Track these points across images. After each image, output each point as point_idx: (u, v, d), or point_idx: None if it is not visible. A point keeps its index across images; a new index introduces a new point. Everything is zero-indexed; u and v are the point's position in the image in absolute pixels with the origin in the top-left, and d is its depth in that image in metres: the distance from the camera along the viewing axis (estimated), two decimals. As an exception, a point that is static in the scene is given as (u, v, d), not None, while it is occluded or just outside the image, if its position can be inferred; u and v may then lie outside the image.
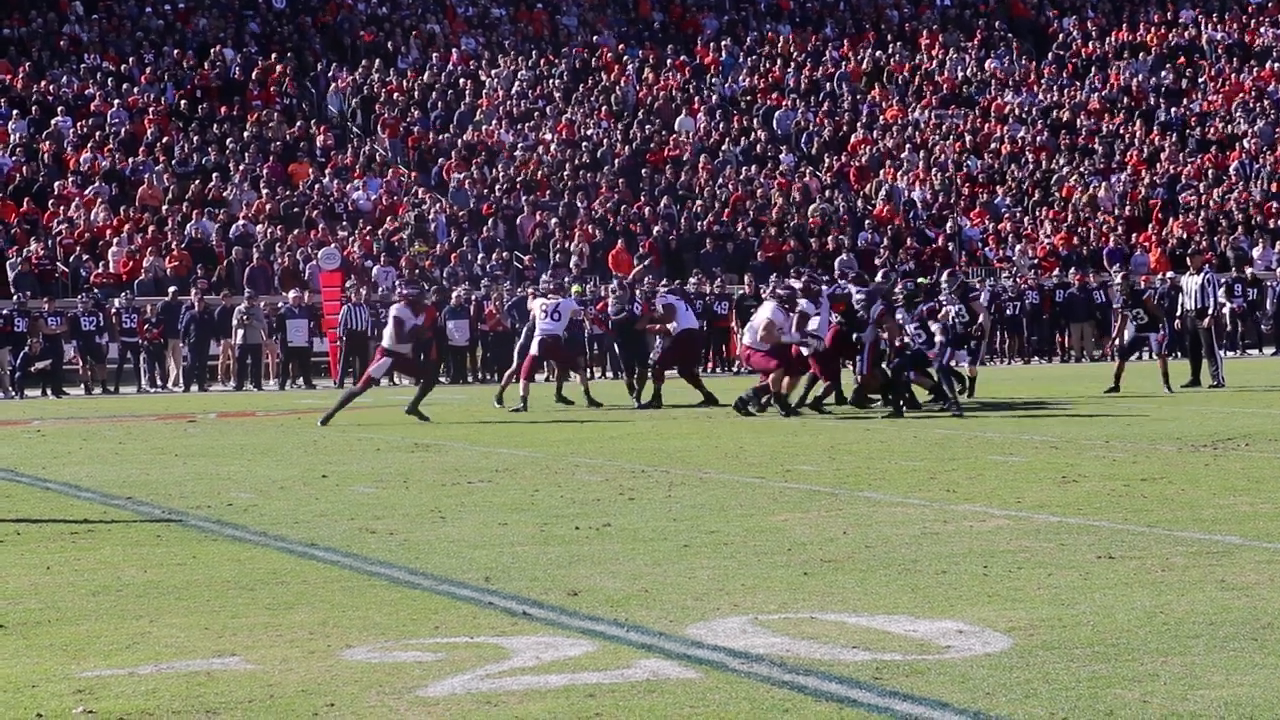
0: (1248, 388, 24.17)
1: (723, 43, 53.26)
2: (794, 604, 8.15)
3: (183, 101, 45.51)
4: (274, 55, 48.02)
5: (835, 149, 49.00)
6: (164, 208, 40.45)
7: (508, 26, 53.24)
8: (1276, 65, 55.24)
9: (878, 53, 54.15)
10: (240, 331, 34.16)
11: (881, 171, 47.76)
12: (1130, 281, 25.69)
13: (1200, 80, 54.77)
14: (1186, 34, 57.03)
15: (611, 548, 10.11)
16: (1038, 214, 46.45)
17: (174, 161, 42.57)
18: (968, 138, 50.13)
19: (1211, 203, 47.07)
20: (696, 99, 50.02)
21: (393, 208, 42.24)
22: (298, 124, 45.19)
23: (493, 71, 49.89)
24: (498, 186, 43.81)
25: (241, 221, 40.28)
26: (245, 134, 44.30)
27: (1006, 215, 46.00)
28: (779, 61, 53.05)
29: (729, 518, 11.39)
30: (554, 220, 42.13)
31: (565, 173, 44.74)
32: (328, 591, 8.82)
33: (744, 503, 12.24)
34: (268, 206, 41.08)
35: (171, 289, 35.52)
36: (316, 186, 42.63)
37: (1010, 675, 6.53)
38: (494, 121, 47.27)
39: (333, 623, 7.93)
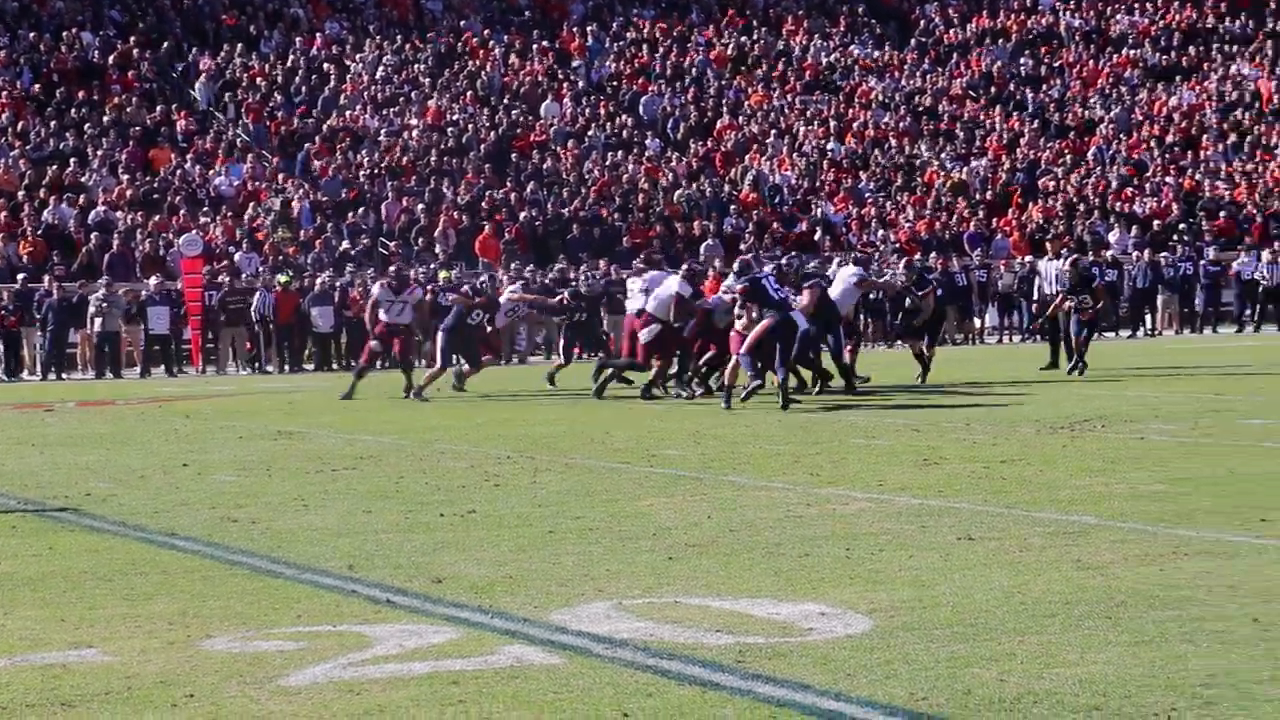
0: (1105, 370, 24.52)
1: (589, 28, 53.22)
2: (658, 589, 8.18)
3: (38, 86, 44.74)
4: (133, 39, 47.34)
5: (701, 134, 49.14)
6: (20, 193, 39.76)
7: (372, 10, 52.82)
8: (1132, 52, 56.10)
9: (742, 38, 54.35)
10: (98, 319, 33.65)
11: (747, 157, 47.95)
12: (1079, 267, 24.88)
13: (1059, 67, 55.51)
14: (1045, 21, 57.75)
15: (476, 534, 10.09)
16: (901, 199, 46.86)
17: (29, 146, 41.84)
18: (832, 123, 50.44)
19: (1069, 188, 47.73)
20: (563, 85, 49.95)
21: (256, 194, 41.81)
22: (158, 108, 44.59)
23: (357, 56, 49.52)
24: (362, 172, 43.50)
25: (101, 207, 39.68)
26: (104, 119, 43.63)
27: (870, 200, 46.37)
28: (644, 47, 53.11)
29: (594, 503, 11.40)
30: (420, 206, 41.90)
31: (431, 158, 44.52)
32: (188, 581, 8.73)
33: (609, 488, 12.26)
34: (128, 192, 40.50)
35: (20, 275, 34.88)
36: (178, 172, 42.10)
37: (871, 656, 6.60)
38: (358, 107, 46.92)
39: (192, 613, 7.85)
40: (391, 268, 24.60)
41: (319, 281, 35.30)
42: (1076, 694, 5.95)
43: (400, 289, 23.67)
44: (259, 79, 47.17)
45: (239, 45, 48.47)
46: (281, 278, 34.79)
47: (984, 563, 8.59)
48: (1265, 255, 41.52)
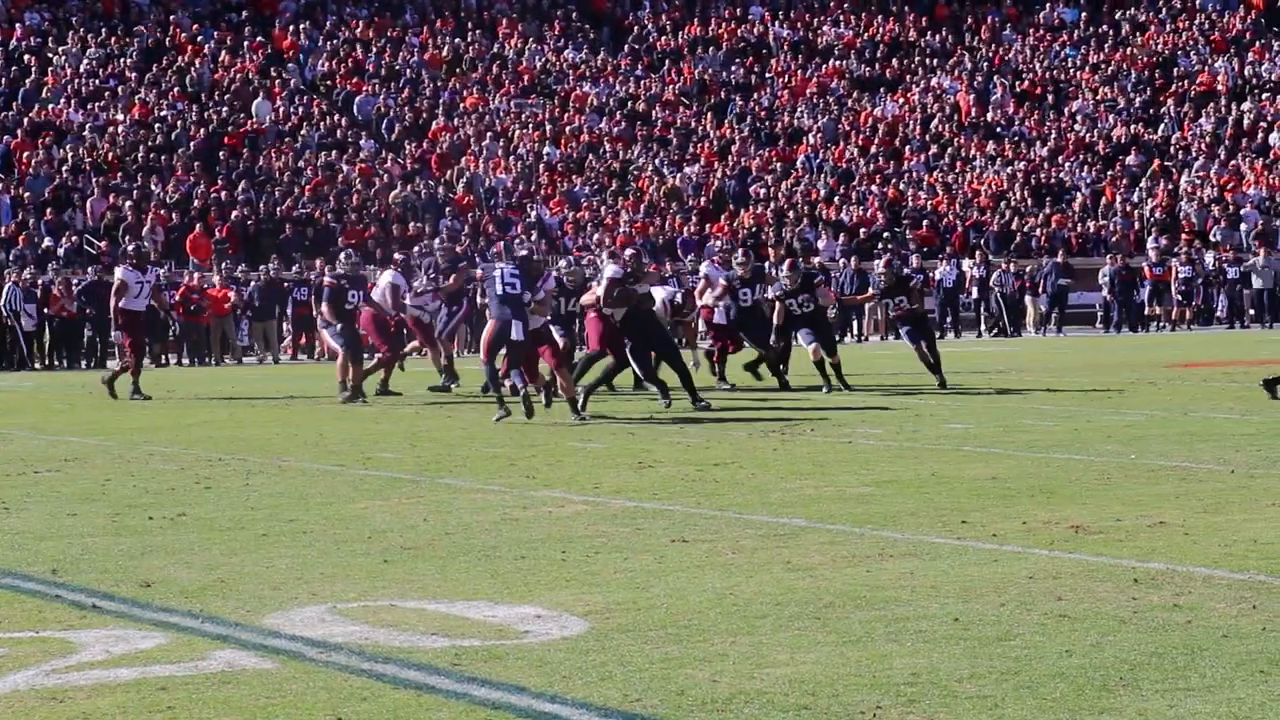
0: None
1: (302, 26, 52.57)
2: (373, 592, 8.13)
3: None
4: None
5: (416, 136, 48.91)
6: None
7: (75, 2, 51.46)
8: (838, 63, 57.36)
9: (457, 40, 54.23)
10: None
11: (462, 159, 47.87)
12: (894, 268, 23.91)
13: (768, 76, 56.50)
14: (756, 30, 58.75)
15: (187, 538, 9.91)
16: (617, 203, 47.23)
17: None
18: (547, 127, 50.63)
19: (780, 195, 48.63)
20: (275, 83, 49.27)
21: (-47, 187, 40.45)
22: None
23: (60, 49, 48.19)
24: (65, 168, 42.37)
25: None
26: None
27: (585, 204, 46.65)
28: (358, 46, 52.67)
29: (308, 506, 11.28)
30: (127, 204, 40.95)
31: (139, 155, 43.54)
32: (-119, 588, 8.42)
33: (324, 491, 12.14)
34: None
35: None
36: None
37: (586, 658, 6.65)
38: (62, 100, 45.68)
39: (-114, 621, 7.58)
40: (342, 254, 23.28)
41: (23, 278, 34.30)
42: (787, 693, 6.08)
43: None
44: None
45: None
46: None
47: (697, 565, 8.72)
48: (967, 263, 42.93)
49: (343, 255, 23.40)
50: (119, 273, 23.30)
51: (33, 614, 7.72)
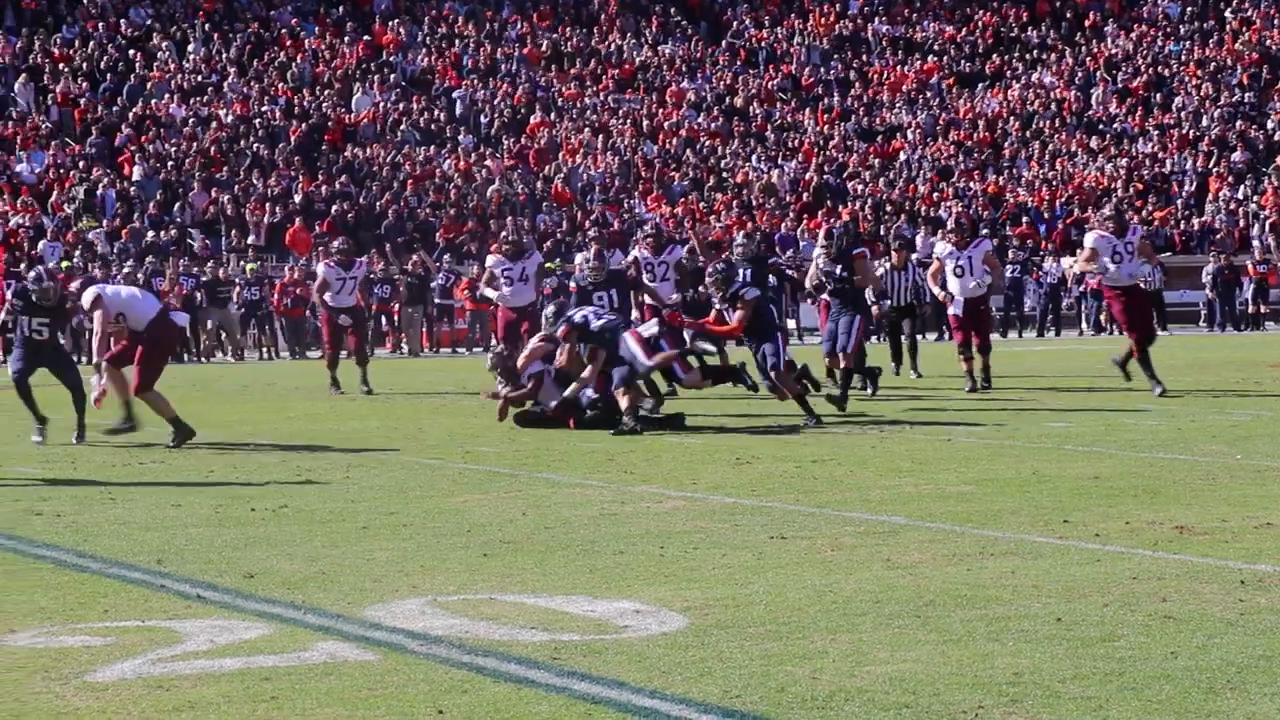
0: (931, 372, 24.87)
1: (401, 21, 52.86)
2: (473, 585, 8.16)
3: None
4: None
5: (514, 130, 49.08)
6: None
7: (180, -2, 52.05)
8: (936, 58, 57.04)
9: (555, 35, 54.36)
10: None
11: (560, 154, 47.99)
12: (836, 238, 20.53)
13: (866, 72, 56.28)
14: (853, 25, 58.51)
15: (289, 529, 9.99)
16: (713, 199, 47.20)
17: None
18: (644, 122, 50.65)
19: (878, 191, 48.43)
20: (375, 77, 49.58)
21: (61, 181, 40.96)
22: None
23: (164, 44, 48.71)
24: (170, 162, 42.82)
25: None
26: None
27: (682, 200, 46.64)
28: (457, 42, 52.91)
29: (408, 499, 11.34)
30: (227, 197, 41.35)
31: (241, 148, 43.95)
32: (-10, 576, 8.54)
33: (423, 484, 12.20)
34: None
35: None
36: (-22, 157, 41.14)
37: (685, 654, 6.64)
38: (166, 95, 46.17)
39: (-4, 608, 7.69)
40: (336, 242, 23.36)
41: (124, 272, 34.69)
42: (887, 691, 6.04)
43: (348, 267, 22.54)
44: (62, 64, 46.21)
45: (40, 30, 47.44)
46: (64, 263, 34.24)
47: (796, 562, 8.69)
48: (1067, 261, 42.61)
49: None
50: (320, 269, 23.17)
51: (139, 603, 7.80)
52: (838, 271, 18.50)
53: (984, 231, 44.78)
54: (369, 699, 6.05)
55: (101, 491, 11.91)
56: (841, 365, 18.66)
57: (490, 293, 21.76)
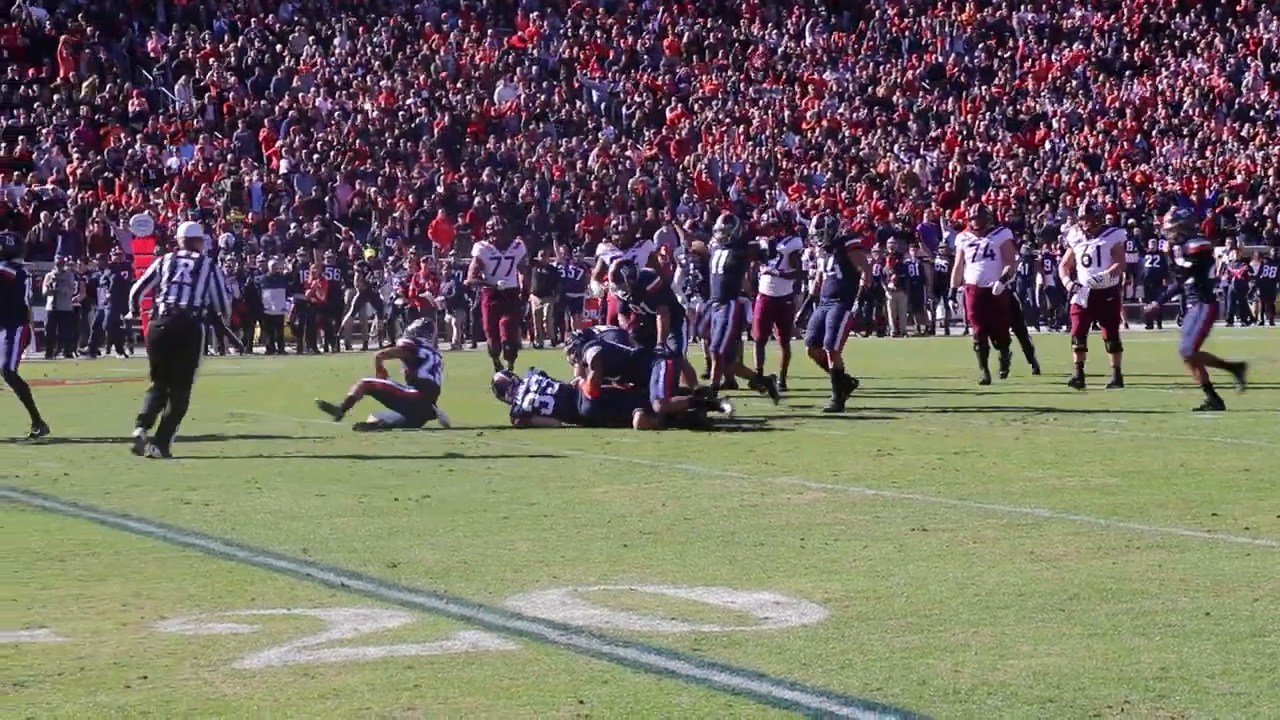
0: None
1: (543, 14, 53.10)
2: (613, 576, 8.18)
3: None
4: (82, 16, 46.97)
5: (654, 122, 49.14)
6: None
7: (326, -8, 52.61)
8: (1082, 47, 56.35)
9: (696, 25, 54.34)
10: (49, 299, 33.45)
11: (700, 145, 47.97)
12: (732, 226, 19.53)
13: (1012, 60, 55.72)
14: (999, 14, 57.96)
15: (431, 519, 10.07)
16: (855, 189, 46.96)
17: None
18: (786, 112, 50.50)
19: (1022, 180, 47.94)
20: (517, 69, 49.86)
21: (208, 174, 41.59)
22: (107, 86, 44.27)
23: (310, 38, 49.29)
24: (315, 155, 43.33)
25: (50, 185, 39.40)
26: (55, 96, 43.31)
27: (823, 190, 46.45)
28: (598, 33, 53.05)
29: (548, 490, 11.39)
30: (372, 190, 41.78)
31: (386, 141, 44.37)
32: (141, 563, 8.68)
33: (563, 475, 12.25)
34: (78, 170, 40.23)
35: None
36: (130, 151, 41.83)
37: (826, 646, 6.61)
38: (312, 89, 46.72)
39: (146, 594, 7.81)
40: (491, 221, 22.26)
41: (270, 263, 35.18)
42: (1031, 686, 5.98)
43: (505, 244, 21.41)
44: (212, 59, 46.91)
45: (190, 25, 48.18)
46: (368, 251, 34.40)
47: (938, 554, 8.62)
48: (1218, 250, 41.93)
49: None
50: (476, 249, 21.93)
51: (284, 591, 7.90)
52: (829, 262, 17.69)
53: (1129, 222, 44.22)
54: (510, 688, 6.09)
55: (247, 481, 12.08)
56: (830, 366, 17.50)
57: (474, 280, 21.61)
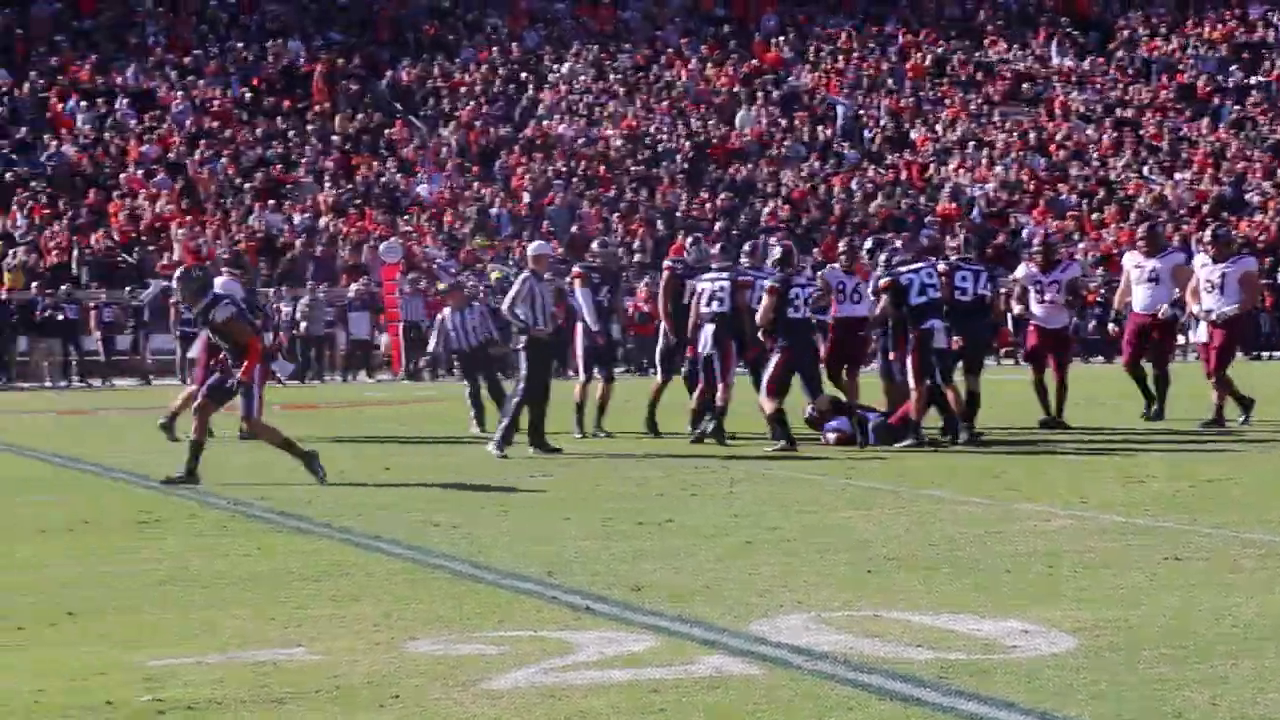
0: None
1: (784, 38, 53.12)
2: (857, 602, 8.13)
3: (247, 93, 45.65)
4: (336, 48, 48.15)
5: (897, 145, 48.84)
6: (228, 200, 40.66)
7: (570, 21, 53.25)
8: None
9: (939, 48, 53.91)
10: (303, 324, 34.32)
11: (944, 168, 47.56)
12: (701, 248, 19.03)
13: (1268, 79, 54.32)
14: (1256, 32, 56.56)
15: (674, 544, 10.11)
16: (1102, 212, 46.16)
17: (238, 153, 42.74)
18: (1031, 135, 49.85)
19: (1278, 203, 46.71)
20: (759, 94, 49.92)
21: (454, 201, 42.33)
22: (358, 116, 45.30)
23: (555, 66, 49.91)
24: (558, 181, 43.85)
25: (304, 213, 40.44)
26: (309, 126, 44.45)
27: (1070, 213, 45.73)
28: (840, 57, 52.90)
29: (790, 515, 11.37)
30: (614, 214, 42.14)
31: (629, 166, 44.73)
32: (391, 584, 8.85)
33: (806, 500, 12.22)
34: (330, 199, 41.23)
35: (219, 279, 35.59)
36: (380, 179, 42.74)
37: (1077, 676, 6.49)
38: (556, 116, 47.29)
39: (396, 615, 7.96)
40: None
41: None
42: (1291, 720, 5.82)
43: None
44: (460, 88, 47.74)
45: (439, 54, 49.11)
46: (494, 274, 34.77)
47: (1192, 583, 8.42)
48: None
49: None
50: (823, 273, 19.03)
51: (531, 614, 7.99)
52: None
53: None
54: (755, 713, 6.08)
55: (494, 504, 12.24)
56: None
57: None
